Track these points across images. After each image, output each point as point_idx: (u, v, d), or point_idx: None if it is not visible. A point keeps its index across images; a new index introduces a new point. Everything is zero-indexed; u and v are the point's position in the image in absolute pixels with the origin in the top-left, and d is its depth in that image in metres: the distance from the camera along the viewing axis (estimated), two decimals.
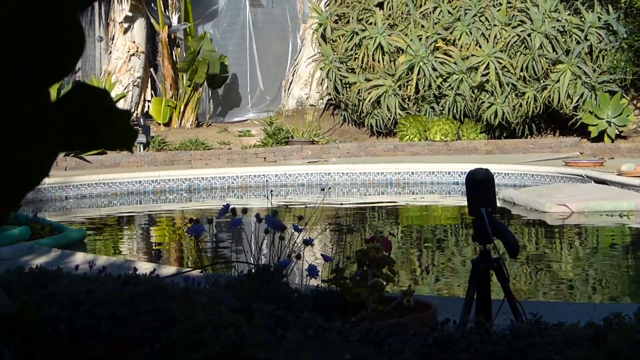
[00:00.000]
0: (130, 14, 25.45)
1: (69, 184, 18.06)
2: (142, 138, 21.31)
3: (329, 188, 18.82)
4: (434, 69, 23.09)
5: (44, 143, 1.00)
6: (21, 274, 4.96)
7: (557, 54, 22.78)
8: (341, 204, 17.56)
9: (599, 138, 21.86)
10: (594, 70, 22.47)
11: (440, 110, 23.30)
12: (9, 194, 0.99)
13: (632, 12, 21.55)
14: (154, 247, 15.22)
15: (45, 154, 1.00)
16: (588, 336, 3.63)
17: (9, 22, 0.96)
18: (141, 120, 23.88)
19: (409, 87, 23.31)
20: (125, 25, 25.48)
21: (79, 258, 9.81)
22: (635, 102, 22.91)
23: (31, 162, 0.99)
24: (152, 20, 25.63)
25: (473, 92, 22.91)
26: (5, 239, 10.57)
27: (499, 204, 5.44)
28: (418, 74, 23.13)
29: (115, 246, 14.63)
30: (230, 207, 5.70)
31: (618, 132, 21.97)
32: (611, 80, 22.32)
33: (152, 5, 25.66)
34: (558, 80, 22.48)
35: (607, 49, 22.58)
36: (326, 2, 25.82)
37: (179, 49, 25.69)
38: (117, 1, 25.42)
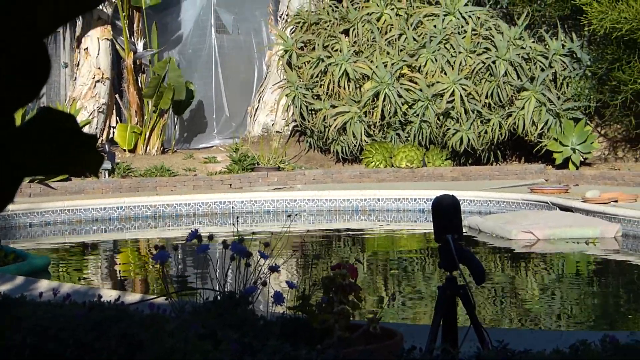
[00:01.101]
0: (95, 41, 25.42)
1: (33, 210, 18.01)
2: (107, 164, 21.24)
3: (295, 215, 18.81)
4: (400, 96, 23.15)
5: (7, 169, 0.99)
6: None
7: (521, 81, 22.90)
8: (307, 230, 17.58)
9: (564, 165, 21.98)
10: (559, 98, 22.60)
11: (405, 136, 23.36)
12: None
13: (595, 40, 21.72)
14: (118, 275, 15.16)
15: (9, 180, 0.99)
16: None
17: None
18: (106, 146, 23.80)
19: (374, 113, 23.36)
20: (90, 51, 25.43)
21: (44, 285, 9.76)
22: (599, 129, 23.05)
23: None
24: (118, 47, 25.61)
25: (438, 118, 22.99)
26: None
27: (465, 230, 5.45)
28: (384, 100, 23.19)
29: (80, 273, 14.57)
30: (197, 233, 5.69)
31: (583, 159, 22.09)
32: (575, 108, 22.45)
33: (118, 29, 25.64)
34: (523, 107, 22.59)
35: (571, 77, 22.73)
36: (292, 29, 25.88)
37: (145, 75, 25.68)
38: (83, 27, 25.39)
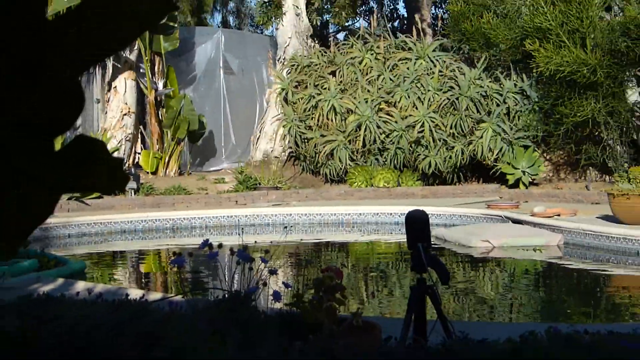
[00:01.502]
0: (122, 80, 25.46)
1: (70, 223, 17.99)
2: (132, 184, 21.30)
3: (291, 227, 18.81)
4: (378, 127, 23.17)
5: (48, 186, 0.98)
6: (30, 300, 4.91)
7: (480, 114, 22.94)
8: (301, 240, 17.54)
9: (516, 185, 22.00)
10: (511, 128, 22.62)
11: (383, 161, 23.37)
12: (19, 230, 0.98)
13: (542, 80, 21.75)
14: (143, 276, 15.13)
15: (49, 196, 0.99)
16: (507, 350, 3.63)
17: (17, 83, 0.94)
18: (132, 169, 23.85)
19: (357, 142, 23.38)
20: (118, 90, 25.46)
21: (80, 286, 9.73)
22: (545, 154, 23.07)
23: (37, 203, 0.98)
24: (142, 85, 25.65)
25: (411, 146, 23.00)
26: (16, 270, 10.51)
27: (433, 240, 5.43)
28: (365, 131, 23.21)
29: (111, 276, 14.53)
30: (208, 242, 5.68)
31: (531, 180, 22.11)
32: (525, 137, 22.48)
33: (141, 71, 25.68)
34: (481, 137, 22.62)
35: (521, 111, 22.75)
36: (287, 71, 25.92)
37: (164, 109, 25.67)
38: (112, 69, 25.44)
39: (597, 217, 15.76)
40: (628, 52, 20.22)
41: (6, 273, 9.95)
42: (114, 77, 25.53)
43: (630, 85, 21.11)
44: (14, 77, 0.93)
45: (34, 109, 0.95)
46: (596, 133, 21.23)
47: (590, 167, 22.13)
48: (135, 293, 8.47)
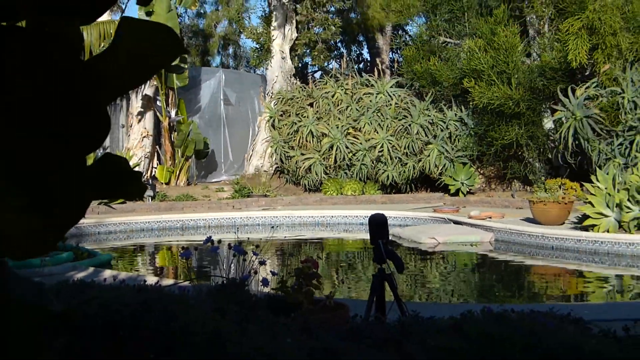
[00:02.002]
0: (142, 110, 25.45)
1: (100, 223, 17.94)
2: (150, 192, 21.30)
3: (277, 227, 18.80)
4: (347, 147, 23.20)
5: (81, 193, 0.98)
6: (67, 284, 4.88)
7: (428, 137, 23.00)
8: (285, 237, 17.51)
9: (456, 193, 22.05)
10: (452, 149, 22.69)
11: (351, 174, 23.39)
12: (58, 228, 0.97)
13: (476, 110, 21.84)
14: (157, 266, 15.07)
15: (82, 201, 0.98)
16: (450, 326, 3.62)
17: (59, 110, 0.94)
18: (150, 180, 23.81)
19: (330, 159, 23.39)
20: (139, 117, 25.46)
21: (107, 274, 9.70)
22: (479, 169, 23.15)
23: (72, 206, 0.97)
24: (158, 114, 25.63)
25: (373, 162, 23.04)
26: (56, 261, 10.49)
27: (390, 237, 5.43)
28: (336, 150, 23.23)
29: (132, 265, 14.47)
30: (210, 238, 5.66)
31: (468, 190, 22.17)
32: (463, 155, 22.55)
33: (157, 103, 25.68)
34: (429, 155, 22.67)
35: (460, 135, 22.83)
36: (275, 102, 25.96)
37: (176, 132, 25.64)
38: (134, 100, 25.44)
39: (521, 219, 15.83)
40: (544, 89, 20.35)
41: (48, 262, 9.92)
42: (136, 107, 25.53)
43: (546, 115, 21.22)
44: (57, 106, 0.93)
45: (72, 131, 0.94)
46: (519, 153, 21.33)
47: (515, 180, 22.21)
48: (151, 279, 8.44)
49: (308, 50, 27.72)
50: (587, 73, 20.57)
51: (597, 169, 15.86)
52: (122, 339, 3.31)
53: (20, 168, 0.93)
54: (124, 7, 29.96)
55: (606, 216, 13.08)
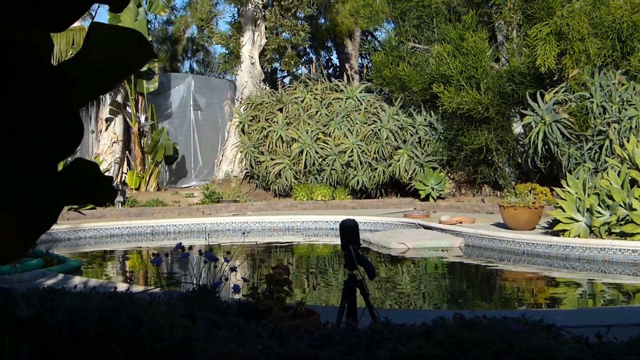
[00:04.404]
0: (112, 115, 25.37)
1: (71, 229, 17.86)
2: (120, 198, 21.23)
3: (247, 232, 18.77)
4: (317, 152, 23.21)
5: (52, 200, 0.97)
6: (37, 291, 4.85)
7: (397, 142, 23.06)
8: (256, 242, 17.48)
9: (426, 198, 22.13)
10: (422, 154, 22.78)
11: (321, 179, 23.39)
12: (28, 235, 0.96)
13: (446, 115, 21.95)
14: (128, 272, 14.97)
15: (53, 207, 0.97)
16: (422, 332, 3.63)
17: (31, 118, 0.93)
18: (120, 186, 23.78)
19: (300, 164, 23.40)
20: (109, 122, 25.37)
21: (77, 280, 9.63)
22: (449, 174, 23.25)
23: (43, 213, 0.96)
24: (127, 119, 25.53)
25: (343, 167, 23.06)
26: (25, 267, 10.41)
27: (361, 242, 5.43)
28: (306, 155, 23.24)
29: (102, 272, 14.37)
30: (181, 245, 5.64)
31: (438, 195, 22.25)
32: (433, 160, 22.64)
33: (127, 108, 25.58)
34: (399, 160, 22.74)
35: (430, 140, 22.93)
36: (244, 108, 25.94)
37: (145, 138, 25.56)
38: (103, 105, 25.35)
39: (491, 224, 15.91)
40: (513, 94, 20.50)
41: (18, 268, 9.83)
42: (105, 112, 25.45)
43: (515, 120, 21.38)
44: (27, 112, 0.92)
45: (44, 137, 0.93)
46: (489, 157, 21.46)
47: (485, 184, 22.34)
48: (121, 286, 8.39)
49: (277, 56, 27.71)
50: (555, 78, 20.75)
51: (567, 173, 15.98)
52: (89, 345, 3.29)
53: None
54: (93, 13, 29.83)
55: (577, 221, 13.17)
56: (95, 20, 28.45)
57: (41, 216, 0.96)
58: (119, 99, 25.48)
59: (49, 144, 0.94)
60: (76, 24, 24.19)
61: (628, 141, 14.90)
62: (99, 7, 28.74)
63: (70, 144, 0.95)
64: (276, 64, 29.99)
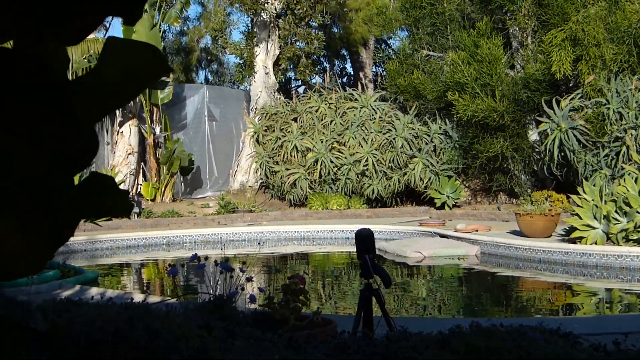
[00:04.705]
0: (127, 126, 25.49)
1: (87, 240, 17.94)
2: (135, 209, 21.32)
3: (263, 242, 18.80)
4: (332, 162, 23.23)
5: (70, 212, 0.98)
6: (54, 302, 4.88)
7: (412, 151, 23.05)
8: (271, 252, 17.50)
9: (442, 207, 22.09)
10: (437, 162, 22.75)
11: (336, 189, 23.40)
12: (45, 248, 0.98)
13: (461, 123, 21.91)
14: (144, 283, 15.02)
15: (71, 220, 0.99)
16: (438, 341, 3.63)
17: (47, 132, 0.94)
18: (135, 197, 23.86)
19: (314, 173, 23.42)
20: (124, 134, 25.49)
21: (94, 291, 9.67)
22: (465, 183, 23.21)
23: (62, 225, 0.97)
24: (142, 130, 25.66)
25: (358, 176, 23.06)
26: (42, 279, 10.46)
27: (377, 252, 5.43)
28: (321, 165, 23.26)
29: (118, 283, 14.42)
30: (197, 255, 5.66)
31: (454, 203, 22.21)
32: (448, 169, 22.61)
33: (142, 119, 25.71)
34: (414, 169, 22.72)
35: (445, 148, 22.90)
36: (259, 118, 25.98)
37: (161, 149, 25.66)
38: (119, 117, 25.46)
39: (507, 232, 15.86)
40: (528, 101, 20.46)
41: (35, 280, 9.87)
42: (120, 124, 25.55)
43: (531, 127, 21.34)
44: (44, 126, 0.93)
45: (60, 151, 0.95)
46: (505, 165, 21.40)
47: (501, 192, 22.28)
48: (138, 297, 8.42)
49: (291, 65, 27.77)
50: (571, 84, 20.70)
51: (584, 180, 15.92)
52: (106, 356, 3.31)
53: (10, 189, 0.93)
54: (107, 25, 29.98)
55: (594, 228, 13.12)
56: (109, 31, 28.65)
57: (59, 229, 0.97)
58: (134, 110, 25.59)
59: (65, 158, 0.96)
60: (91, 36, 24.34)
61: None
62: (112, 18, 28.95)
63: (86, 158, 0.96)
64: (290, 74, 30.06)
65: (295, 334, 4.32)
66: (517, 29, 21.60)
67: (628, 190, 12.95)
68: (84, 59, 22.85)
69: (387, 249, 15.92)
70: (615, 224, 12.79)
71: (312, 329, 4.96)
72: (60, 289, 10.12)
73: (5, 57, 0.94)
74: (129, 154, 25.42)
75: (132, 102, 25.13)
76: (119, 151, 25.45)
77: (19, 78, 0.95)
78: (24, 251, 0.96)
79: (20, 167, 0.94)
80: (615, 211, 12.86)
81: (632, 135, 18.00)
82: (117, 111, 25.30)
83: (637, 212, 12.54)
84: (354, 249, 5.43)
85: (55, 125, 0.94)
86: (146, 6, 23.90)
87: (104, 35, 26.86)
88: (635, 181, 13.13)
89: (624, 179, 13.48)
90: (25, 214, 0.95)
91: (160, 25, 26.23)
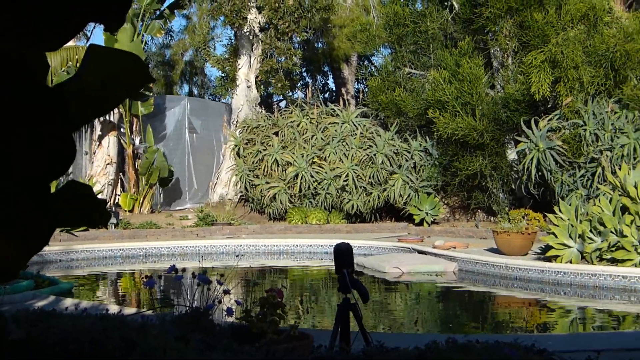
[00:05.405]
0: (106, 136, 25.37)
1: (63, 251, 17.78)
2: (113, 220, 21.17)
3: (241, 255, 18.73)
4: (312, 176, 23.22)
5: (45, 221, 0.96)
6: (28, 313, 4.82)
7: (393, 167, 23.09)
8: (249, 266, 17.44)
9: (420, 223, 22.11)
10: (417, 179, 22.80)
11: (316, 203, 23.39)
12: (20, 256, 0.96)
13: (441, 141, 21.98)
14: (120, 294, 14.91)
15: (46, 228, 0.97)
16: (414, 357, 3.62)
17: (23, 137, 0.93)
18: (113, 208, 23.72)
19: (295, 187, 23.40)
20: (103, 144, 25.37)
21: (69, 302, 9.57)
22: (444, 199, 23.26)
23: (35, 234, 0.96)
24: (122, 141, 25.56)
25: (337, 191, 23.07)
26: (16, 289, 10.34)
27: (355, 267, 5.42)
28: (301, 179, 23.25)
29: (94, 294, 14.32)
30: (174, 267, 5.62)
31: (433, 220, 22.25)
32: (428, 185, 22.66)
33: (122, 130, 25.61)
34: (393, 185, 22.75)
35: (425, 165, 22.96)
36: (240, 131, 25.94)
37: (140, 160, 25.54)
38: (98, 127, 25.35)
39: (485, 250, 15.90)
40: (507, 121, 20.57)
41: (8, 290, 9.78)
42: (99, 134, 25.44)
43: (509, 146, 21.45)
44: (22, 132, 0.92)
45: (36, 158, 0.93)
46: (483, 183, 21.48)
47: (479, 210, 22.35)
48: (113, 308, 8.35)
49: (269, 79, 27.71)
50: (549, 105, 20.83)
51: (560, 200, 16.00)
52: None
53: None
54: (89, 34, 29.90)
55: (569, 247, 13.18)
56: (91, 40, 28.53)
57: (33, 237, 0.96)
58: (114, 120, 25.51)
59: (41, 165, 0.94)
60: (70, 43, 24.26)
61: (620, 169, 14.94)
62: (94, 27, 28.85)
63: (63, 166, 0.95)
64: (271, 88, 30.05)
65: (272, 348, 4.30)
66: (498, 49, 21.73)
67: (603, 211, 13.04)
68: (63, 71, 22.69)
69: (366, 264, 15.90)
70: (589, 243, 12.87)
71: (290, 343, 4.94)
72: (34, 299, 10.03)
73: None
74: (108, 164, 25.29)
75: (112, 112, 25.03)
76: (98, 161, 25.31)
77: (7, 86, 0.93)
78: None
79: None
80: (590, 230, 12.94)
81: (607, 156, 18.13)
82: (97, 121, 25.18)
83: (611, 232, 12.63)
84: (332, 263, 5.42)
85: (33, 131, 0.93)
86: (128, 16, 23.86)
87: (86, 44, 26.77)
88: (610, 201, 13.22)
89: (599, 199, 13.55)
90: None
91: (142, 35, 26.17)
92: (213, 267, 16.25)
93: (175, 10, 27.95)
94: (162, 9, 27.05)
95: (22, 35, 0.95)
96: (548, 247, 13.64)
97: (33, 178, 0.94)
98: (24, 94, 0.94)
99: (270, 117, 25.91)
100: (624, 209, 12.99)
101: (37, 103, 0.94)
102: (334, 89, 35.67)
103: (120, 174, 26.02)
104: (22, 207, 0.94)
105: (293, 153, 23.85)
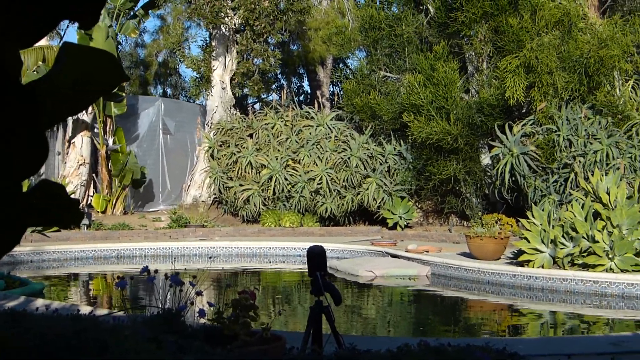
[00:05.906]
0: (79, 137, 25.19)
1: (34, 251, 17.66)
2: (85, 221, 21.01)
3: (214, 257, 18.68)
4: (286, 179, 23.21)
5: (15, 221, 0.96)
6: None
7: (367, 171, 23.13)
8: (222, 268, 17.39)
9: (394, 227, 22.14)
10: (391, 182, 22.84)
11: (289, 206, 23.38)
12: None
13: (415, 145, 22.04)
14: (92, 295, 14.82)
15: (17, 227, 0.97)
16: (387, 359, 3.63)
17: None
18: (86, 209, 23.56)
19: (268, 190, 23.37)
20: (76, 144, 25.18)
21: (40, 303, 9.50)
22: (417, 204, 23.31)
23: (7, 232, 0.95)
24: (95, 142, 25.39)
25: (311, 194, 23.06)
26: None
27: (328, 270, 5.42)
28: (275, 182, 23.23)
29: (65, 294, 14.22)
30: (147, 268, 5.61)
31: (406, 223, 22.28)
32: (402, 189, 22.71)
33: (95, 130, 25.45)
34: (367, 188, 22.78)
35: (399, 169, 23.01)
36: (214, 133, 25.89)
37: (113, 161, 25.41)
38: (71, 126, 25.17)
39: (458, 254, 15.96)
40: (482, 125, 20.67)
41: None
42: (72, 134, 25.23)
43: (483, 151, 21.54)
44: None
45: (8, 156, 0.93)
46: (457, 188, 21.56)
47: (452, 214, 22.44)
48: (85, 309, 8.30)
49: (246, 81, 27.68)
50: (524, 110, 20.96)
51: (533, 205, 16.09)
52: None
53: None
54: (62, 33, 29.72)
55: (541, 252, 13.27)
56: (64, 38, 28.32)
57: (4, 236, 0.95)
58: (87, 120, 25.33)
59: (12, 163, 0.94)
60: (44, 42, 24.10)
61: (592, 174, 15.08)
62: (68, 26, 28.70)
63: (35, 164, 0.95)
64: (247, 89, 30.03)
65: (245, 350, 4.30)
66: (473, 54, 21.83)
67: (575, 216, 13.15)
68: (34, 71, 22.51)
69: (339, 267, 15.92)
70: (561, 248, 12.96)
71: (262, 345, 4.94)
72: (5, 299, 9.95)
73: None
74: (81, 164, 25.11)
75: (85, 112, 24.88)
76: (70, 162, 25.11)
77: None
78: None
79: None
80: (562, 236, 13.04)
81: (580, 162, 18.28)
82: (70, 120, 25.02)
83: (583, 237, 12.73)
84: (305, 266, 5.42)
85: (6, 129, 0.92)
86: (103, 14, 23.73)
87: (59, 43, 26.60)
88: (582, 207, 13.32)
89: (572, 205, 13.66)
90: None
91: (117, 35, 26.04)
92: (185, 269, 16.19)
93: (150, 11, 27.81)
94: (136, 9, 26.92)
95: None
96: (520, 252, 13.72)
97: (4, 176, 0.94)
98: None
99: (244, 119, 25.88)
100: (596, 215, 13.11)
101: (10, 101, 0.94)
102: (309, 91, 35.69)
103: (93, 174, 25.86)
104: None
105: (267, 155, 23.83)
